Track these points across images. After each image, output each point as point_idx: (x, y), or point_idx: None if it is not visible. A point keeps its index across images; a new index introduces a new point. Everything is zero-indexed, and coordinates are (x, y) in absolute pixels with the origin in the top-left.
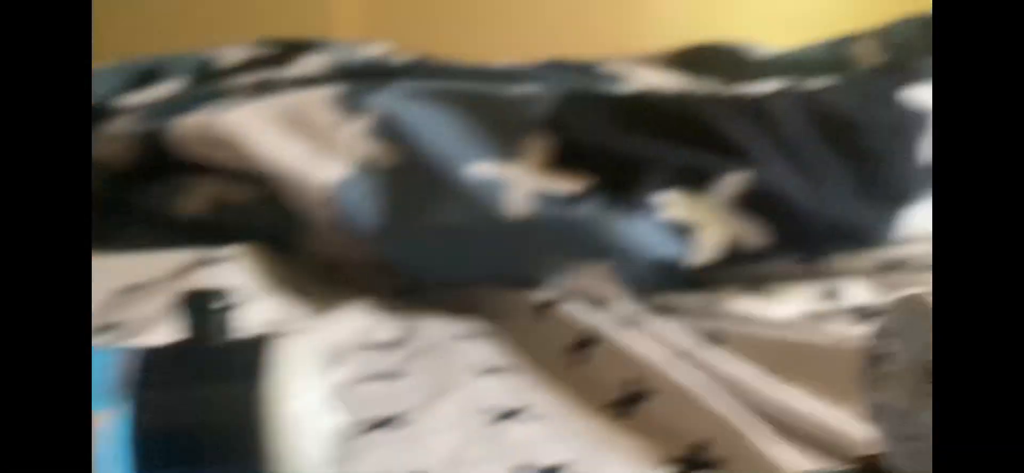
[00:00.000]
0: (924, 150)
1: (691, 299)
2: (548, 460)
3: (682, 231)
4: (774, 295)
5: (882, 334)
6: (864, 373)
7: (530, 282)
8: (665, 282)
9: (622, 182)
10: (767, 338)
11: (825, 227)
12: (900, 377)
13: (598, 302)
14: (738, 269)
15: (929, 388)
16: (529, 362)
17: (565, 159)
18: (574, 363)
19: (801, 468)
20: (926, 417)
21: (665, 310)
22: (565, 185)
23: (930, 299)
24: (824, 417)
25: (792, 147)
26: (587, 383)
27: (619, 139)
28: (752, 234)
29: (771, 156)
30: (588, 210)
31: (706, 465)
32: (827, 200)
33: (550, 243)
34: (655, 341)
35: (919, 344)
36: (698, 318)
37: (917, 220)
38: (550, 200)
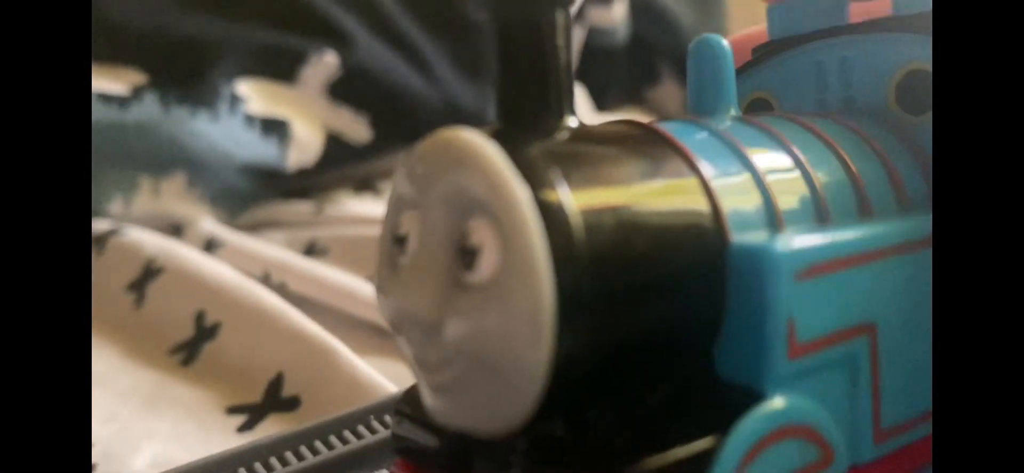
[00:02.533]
0: None
1: (291, 208)
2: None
3: (269, 128)
4: (387, 192)
5: (394, 205)
6: (378, 271)
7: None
8: (260, 192)
9: (183, 75)
10: (374, 239)
11: (431, 113)
12: (421, 268)
13: (175, 226)
14: (343, 169)
15: (466, 278)
16: None
17: (104, 51)
18: (137, 302)
19: (389, 388)
20: (455, 328)
21: (259, 225)
22: (109, 84)
23: (464, 136)
24: None
25: (386, 23)
26: (151, 325)
27: (175, 20)
28: (352, 126)
29: (362, 35)
30: (142, 113)
31: (282, 405)
32: (430, 82)
33: (103, 159)
34: (234, 264)
35: (447, 212)
36: (298, 229)
37: None
38: (94, 106)
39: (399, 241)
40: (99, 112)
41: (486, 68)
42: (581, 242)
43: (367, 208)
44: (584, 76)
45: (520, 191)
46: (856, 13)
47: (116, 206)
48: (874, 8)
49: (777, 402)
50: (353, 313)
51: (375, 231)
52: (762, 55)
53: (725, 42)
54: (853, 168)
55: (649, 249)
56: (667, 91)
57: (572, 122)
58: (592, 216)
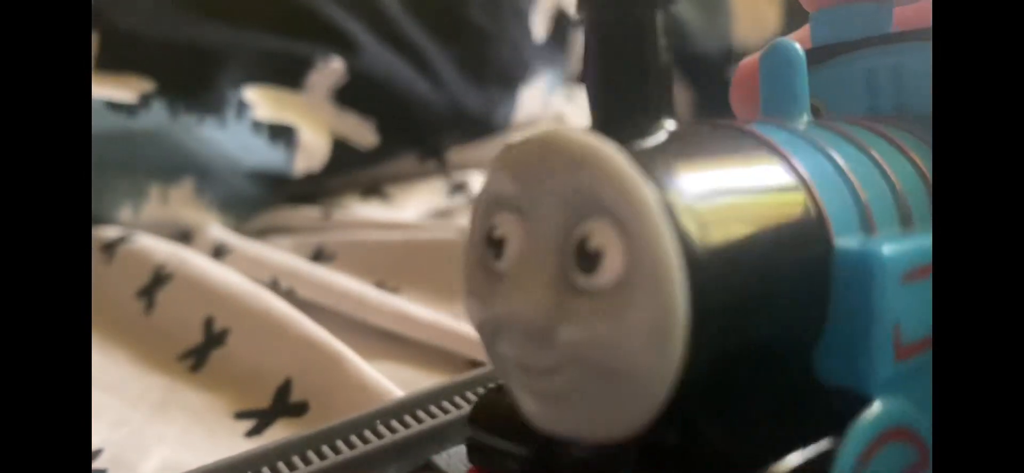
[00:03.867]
0: (536, 25)
1: (299, 213)
2: (93, 442)
3: (276, 134)
4: (394, 198)
5: (486, 206)
6: (469, 275)
7: (97, 218)
8: (268, 198)
9: (190, 82)
10: (382, 245)
11: (437, 118)
12: (528, 272)
13: (184, 232)
14: (350, 174)
15: (583, 282)
16: (97, 316)
17: (112, 60)
18: (147, 308)
19: (396, 393)
20: (570, 334)
21: (267, 231)
22: (117, 92)
23: (578, 135)
24: (436, 321)
25: (392, 29)
26: (160, 331)
27: (182, 28)
28: (359, 131)
29: (368, 40)
30: (150, 120)
31: (290, 410)
32: (436, 87)
33: (112, 167)
34: (242, 270)
35: (560, 215)
36: (305, 234)
37: (533, 101)
38: (102, 113)
39: (495, 244)
40: (107, 120)
41: (582, 68)
42: (704, 246)
43: (374, 213)
44: (586, 79)
45: (649, 193)
46: (898, 20)
47: (125, 213)
48: (916, 16)
49: (886, 405)
50: (361, 318)
51: (383, 235)
52: (808, 61)
53: (798, 47)
54: (924, 171)
55: (764, 253)
56: (673, 92)
57: (670, 124)
58: (710, 219)
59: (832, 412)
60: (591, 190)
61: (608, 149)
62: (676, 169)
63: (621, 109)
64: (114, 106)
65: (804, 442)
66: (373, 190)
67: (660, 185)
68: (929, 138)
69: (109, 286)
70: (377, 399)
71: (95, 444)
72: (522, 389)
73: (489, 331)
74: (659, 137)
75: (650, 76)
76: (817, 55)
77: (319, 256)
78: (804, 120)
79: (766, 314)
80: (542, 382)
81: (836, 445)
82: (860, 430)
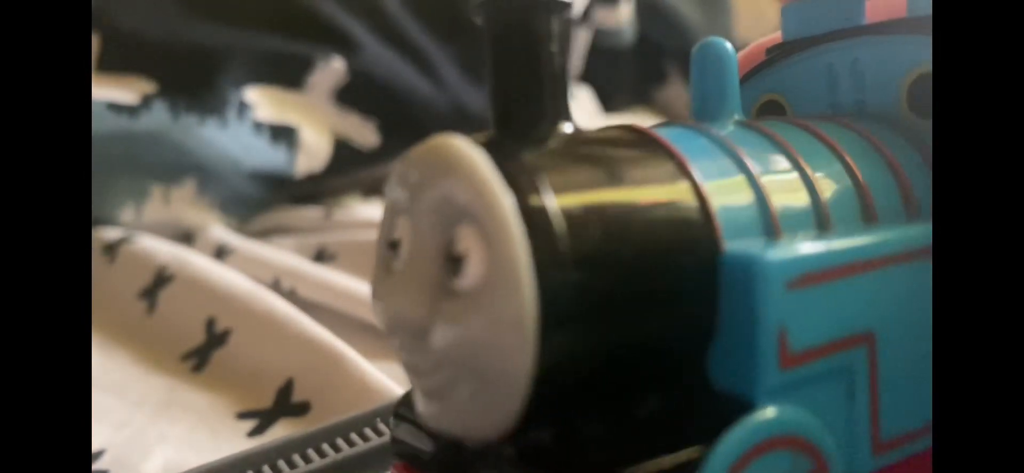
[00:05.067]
0: None
1: (300, 214)
2: (95, 443)
3: (277, 135)
4: None
5: (389, 210)
6: (374, 275)
7: (99, 218)
8: (270, 198)
9: (192, 83)
10: None
11: (438, 117)
12: (411, 274)
13: (185, 233)
14: (351, 174)
15: (453, 285)
16: (100, 316)
17: (113, 61)
18: (149, 309)
19: (396, 391)
20: (442, 333)
21: (269, 231)
22: (119, 93)
23: (452, 143)
24: None
25: (392, 29)
26: (162, 332)
27: (183, 29)
28: (360, 131)
29: (369, 40)
30: (151, 121)
31: (292, 410)
32: (437, 87)
33: (114, 167)
34: (243, 270)
35: (436, 220)
36: (307, 235)
37: None
38: (104, 115)
39: (393, 246)
40: (109, 121)
41: (482, 73)
42: (566, 249)
43: (375, 213)
44: (591, 77)
45: (505, 199)
46: (871, 14)
47: (127, 214)
48: (888, 8)
49: (768, 412)
50: (362, 318)
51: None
52: (775, 57)
53: (729, 45)
54: (858, 174)
55: (638, 255)
56: (674, 91)
57: (567, 128)
58: (578, 222)
59: (717, 418)
60: (458, 197)
61: (475, 157)
62: (551, 173)
63: (516, 114)
64: (116, 107)
65: (681, 446)
66: (374, 190)
67: (528, 189)
68: (882, 137)
69: (111, 287)
70: (379, 398)
71: (98, 445)
72: (414, 387)
73: (389, 330)
74: (551, 142)
75: (544, 81)
76: (784, 50)
77: (321, 256)
78: (732, 121)
79: (641, 316)
80: (425, 381)
81: (706, 450)
82: (734, 435)
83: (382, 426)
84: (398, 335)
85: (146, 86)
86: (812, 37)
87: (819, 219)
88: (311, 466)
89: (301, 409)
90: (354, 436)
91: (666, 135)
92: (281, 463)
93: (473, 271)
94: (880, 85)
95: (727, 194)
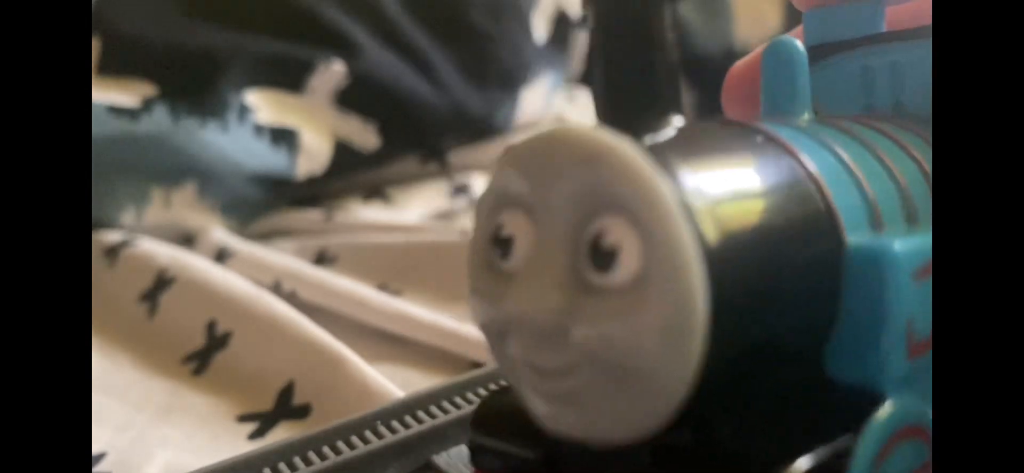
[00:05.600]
0: (537, 27)
1: (301, 216)
2: (96, 446)
3: (278, 137)
4: (396, 200)
5: (492, 205)
6: (475, 275)
7: (99, 222)
8: (270, 201)
9: (192, 86)
10: (384, 247)
11: (438, 120)
12: (539, 271)
13: (186, 236)
14: (352, 176)
15: (597, 281)
16: (101, 319)
17: (114, 64)
18: (150, 312)
19: (397, 394)
20: (584, 334)
21: (269, 234)
22: (119, 96)
23: (591, 132)
24: (437, 323)
25: (393, 31)
26: (163, 335)
27: (184, 32)
28: (360, 134)
29: (370, 43)
30: (152, 124)
31: (293, 413)
32: (438, 89)
33: (115, 170)
34: (244, 273)
35: (571, 212)
36: (308, 237)
37: (534, 102)
38: (105, 118)
39: (501, 243)
40: (110, 124)
41: (588, 65)
42: (719, 244)
43: (376, 215)
44: (591, 78)
45: (666, 189)
46: (890, 21)
47: (128, 217)
48: (909, 16)
49: (900, 403)
50: (363, 321)
51: (384, 238)
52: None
53: (799, 45)
54: (926, 170)
55: (777, 249)
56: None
57: (678, 121)
58: (725, 216)
59: (844, 410)
60: (605, 186)
61: (623, 144)
62: (688, 165)
63: (629, 106)
64: (116, 110)
65: (818, 441)
66: (375, 192)
67: (675, 181)
68: (929, 136)
69: (112, 290)
70: (379, 400)
71: (99, 448)
72: (532, 391)
73: (496, 332)
74: (668, 134)
75: (657, 72)
76: (811, 54)
77: (321, 259)
78: (806, 118)
79: (779, 311)
80: (553, 383)
81: (852, 444)
82: (876, 428)
83: (383, 429)
84: (515, 336)
85: (147, 89)
86: (843, 41)
87: (908, 213)
88: (312, 469)
89: (302, 412)
90: (355, 439)
91: (768, 127)
92: (282, 466)
93: (627, 266)
94: (919, 88)
95: (836, 187)
